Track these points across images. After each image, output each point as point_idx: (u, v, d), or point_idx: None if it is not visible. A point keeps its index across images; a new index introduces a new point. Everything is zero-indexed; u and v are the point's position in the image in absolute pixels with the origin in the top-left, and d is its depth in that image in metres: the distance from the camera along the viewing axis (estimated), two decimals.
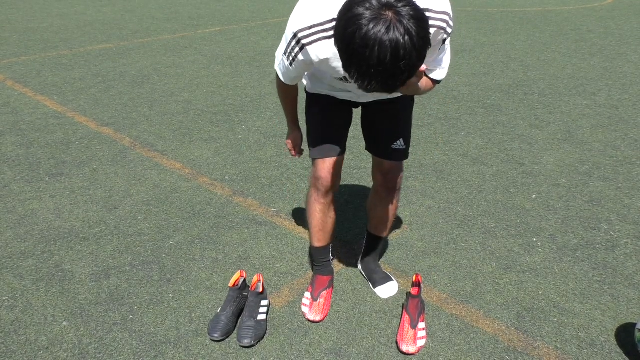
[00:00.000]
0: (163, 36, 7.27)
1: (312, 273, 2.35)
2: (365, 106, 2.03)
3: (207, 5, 9.98)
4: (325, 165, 1.97)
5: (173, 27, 7.93)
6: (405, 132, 2.00)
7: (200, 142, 3.77)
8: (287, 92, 1.93)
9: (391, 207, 2.15)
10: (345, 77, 1.63)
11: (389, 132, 1.98)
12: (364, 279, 2.32)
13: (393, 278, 2.29)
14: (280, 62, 1.73)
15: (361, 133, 2.09)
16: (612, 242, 2.59)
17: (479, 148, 3.68)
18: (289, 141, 2.12)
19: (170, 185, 3.14)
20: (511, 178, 3.25)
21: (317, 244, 2.17)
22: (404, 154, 2.02)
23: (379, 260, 2.37)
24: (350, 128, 2.07)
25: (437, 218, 2.81)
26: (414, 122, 4.10)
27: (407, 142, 2.02)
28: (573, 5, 9.95)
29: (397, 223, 2.76)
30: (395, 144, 1.99)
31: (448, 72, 5.49)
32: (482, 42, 6.94)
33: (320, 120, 1.99)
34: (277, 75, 1.83)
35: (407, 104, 1.99)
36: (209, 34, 7.47)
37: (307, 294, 2.18)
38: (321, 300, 2.13)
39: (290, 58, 1.60)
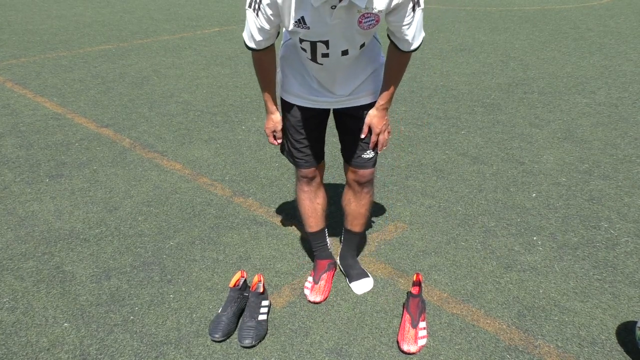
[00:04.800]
0: (162, 37, 7.27)
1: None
2: (339, 115, 2.03)
3: (206, 6, 9.98)
4: (306, 170, 2.11)
5: (172, 27, 7.93)
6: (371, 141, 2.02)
7: (200, 142, 3.77)
8: (262, 65, 1.86)
9: (365, 202, 2.18)
10: (301, 20, 1.63)
11: (357, 142, 2.01)
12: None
13: (369, 274, 2.30)
14: (246, 24, 1.74)
15: None
16: (612, 241, 2.60)
17: (479, 147, 3.68)
18: (268, 127, 2.04)
19: (170, 186, 3.14)
20: (511, 177, 3.25)
21: (309, 230, 2.27)
22: (371, 163, 2.07)
23: (357, 256, 2.39)
24: None
25: (437, 217, 2.81)
26: (413, 121, 4.13)
27: (376, 151, 2.05)
28: (572, 4, 9.96)
29: (397, 222, 2.76)
30: (366, 153, 2.03)
31: (447, 70, 5.51)
32: (481, 41, 6.94)
33: (297, 136, 2.02)
34: (250, 49, 1.81)
35: None
36: (208, 34, 7.47)
37: (310, 278, 2.27)
38: (322, 282, 2.22)
39: (255, 4, 1.64)
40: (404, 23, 1.66)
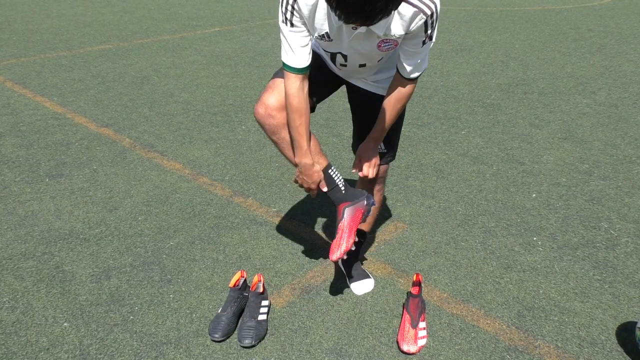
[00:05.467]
0: (162, 37, 7.27)
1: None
2: (355, 99, 2.02)
3: (206, 6, 9.98)
4: (279, 90, 1.77)
5: (172, 27, 7.93)
6: (388, 137, 2.00)
7: (200, 142, 3.77)
8: (302, 100, 1.70)
9: (376, 200, 2.17)
10: (326, 35, 1.64)
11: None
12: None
13: (370, 275, 2.30)
14: (282, 43, 1.68)
15: None
16: (612, 241, 2.59)
17: (479, 147, 3.68)
18: (314, 181, 1.79)
19: (170, 185, 3.14)
20: (511, 177, 3.25)
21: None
22: (385, 158, 2.06)
23: (359, 257, 2.38)
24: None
25: (437, 217, 2.81)
26: (413, 121, 4.12)
27: (391, 147, 2.05)
28: (572, 4, 9.96)
29: (397, 222, 2.76)
30: (380, 148, 2.01)
31: (448, 71, 5.51)
32: (481, 41, 6.94)
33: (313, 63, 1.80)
34: (291, 70, 1.68)
35: None
36: (209, 34, 7.47)
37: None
38: (337, 235, 1.90)
39: (287, 15, 1.61)
40: (411, 50, 1.67)
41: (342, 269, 2.34)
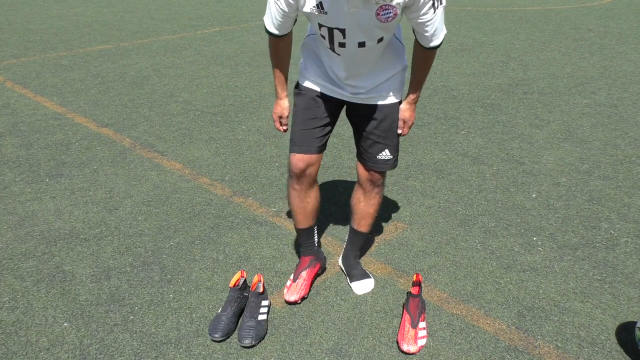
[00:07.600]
0: (162, 37, 7.27)
1: None
2: (354, 115, 2.04)
3: (206, 6, 9.98)
4: (299, 155, 2.04)
5: (172, 27, 7.93)
6: (391, 143, 2.03)
7: (200, 142, 3.77)
8: (278, 50, 1.93)
9: (375, 202, 2.18)
10: (320, 4, 1.67)
11: (375, 143, 2.02)
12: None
13: (371, 275, 2.30)
14: (267, 8, 1.79)
15: None
16: (612, 241, 2.60)
17: (479, 147, 3.68)
18: (276, 112, 2.09)
19: (170, 185, 3.14)
20: (511, 177, 3.25)
21: (297, 226, 2.24)
22: (390, 164, 2.07)
23: (360, 257, 2.39)
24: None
25: (437, 217, 2.81)
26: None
27: (394, 153, 2.06)
28: (572, 4, 9.96)
29: (397, 222, 2.76)
30: (381, 154, 2.03)
31: (448, 71, 5.51)
32: (481, 42, 6.94)
33: (303, 117, 2.00)
34: (268, 33, 1.86)
35: (394, 114, 2.00)
36: (209, 34, 7.47)
37: (291, 276, 2.25)
38: (299, 280, 2.19)
39: None
40: (423, 20, 1.68)
41: (342, 269, 2.34)
